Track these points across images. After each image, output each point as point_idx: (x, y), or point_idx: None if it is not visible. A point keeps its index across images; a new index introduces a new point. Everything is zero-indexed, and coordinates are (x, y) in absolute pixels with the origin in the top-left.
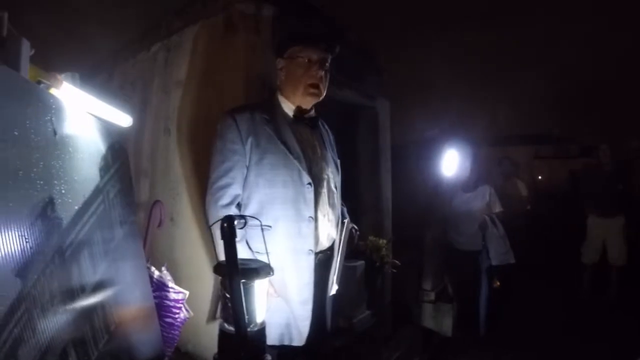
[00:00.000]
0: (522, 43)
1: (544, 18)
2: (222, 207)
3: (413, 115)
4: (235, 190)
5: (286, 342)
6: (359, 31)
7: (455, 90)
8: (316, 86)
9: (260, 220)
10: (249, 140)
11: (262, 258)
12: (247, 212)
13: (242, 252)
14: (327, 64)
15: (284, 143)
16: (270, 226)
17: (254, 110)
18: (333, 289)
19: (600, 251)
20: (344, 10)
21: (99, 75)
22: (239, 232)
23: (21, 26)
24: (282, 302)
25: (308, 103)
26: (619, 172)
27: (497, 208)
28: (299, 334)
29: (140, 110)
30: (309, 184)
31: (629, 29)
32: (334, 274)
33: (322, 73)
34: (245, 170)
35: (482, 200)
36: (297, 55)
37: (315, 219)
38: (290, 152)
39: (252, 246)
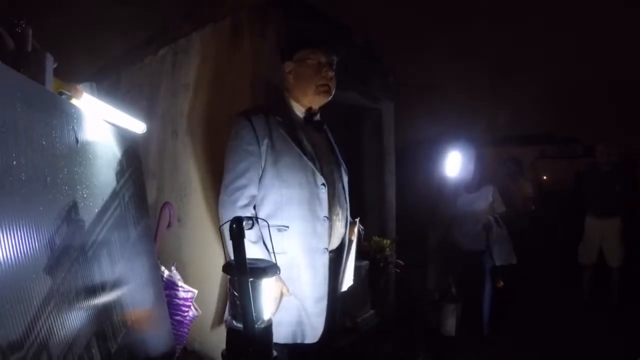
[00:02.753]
0: (526, 43)
1: (548, 18)
2: (239, 208)
3: (417, 117)
4: (251, 191)
5: (299, 340)
6: (364, 33)
7: (459, 91)
8: (326, 85)
9: (267, 222)
10: (265, 141)
11: (278, 258)
12: (261, 213)
13: (260, 254)
14: (334, 66)
15: (298, 145)
16: (287, 226)
17: (267, 112)
18: (345, 285)
19: (598, 252)
20: (350, 12)
21: (106, 79)
22: (255, 234)
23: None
24: (294, 301)
25: (319, 102)
26: (618, 172)
27: (501, 208)
28: (313, 330)
29: (147, 113)
30: (323, 184)
31: (634, 28)
32: (346, 271)
33: (332, 74)
34: (260, 172)
35: (485, 200)
36: (306, 58)
37: (329, 219)
38: (305, 154)
39: (268, 247)
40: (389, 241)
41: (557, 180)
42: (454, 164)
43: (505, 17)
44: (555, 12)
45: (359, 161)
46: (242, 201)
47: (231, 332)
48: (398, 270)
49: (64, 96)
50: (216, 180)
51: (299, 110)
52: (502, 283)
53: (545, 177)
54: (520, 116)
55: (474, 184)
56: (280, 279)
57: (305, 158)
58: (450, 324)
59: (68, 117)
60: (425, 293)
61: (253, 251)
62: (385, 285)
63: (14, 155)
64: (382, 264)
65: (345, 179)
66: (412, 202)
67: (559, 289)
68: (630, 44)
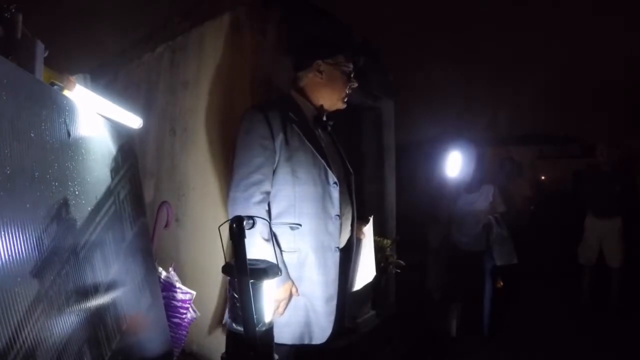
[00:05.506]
0: (525, 43)
1: (547, 18)
2: (254, 204)
3: (417, 116)
4: (266, 187)
5: (306, 341)
6: (363, 31)
7: (459, 90)
8: (349, 95)
9: (269, 221)
10: (280, 136)
11: (290, 256)
12: (273, 210)
13: (272, 252)
14: None
15: (311, 142)
16: (300, 224)
17: (280, 107)
18: (358, 284)
19: (597, 252)
20: (349, 10)
21: (103, 76)
22: (267, 231)
23: (26, 26)
24: (303, 301)
25: (335, 107)
26: (618, 172)
27: (501, 208)
28: (321, 330)
29: (145, 111)
30: (335, 183)
31: (635, 27)
32: (357, 270)
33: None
34: (274, 168)
35: (485, 200)
36: (344, 65)
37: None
38: (317, 151)
39: (276, 247)
40: (389, 241)
41: (556, 180)
42: (454, 163)
43: (505, 17)
44: (555, 12)
45: (359, 160)
46: (257, 197)
47: (231, 335)
48: (398, 271)
49: (55, 87)
50: (215, 178)
51: (308, 109)
52: (502, 283)
53: (544, 177)
54: (519, 116)
55: (473, 184)
56: (290, 278)
57: (318, 155)
58: (450, 325)
59: (59, 109)
60: (426, 293)
61: (265, 249)
62: (385, 285)
63: None
64: (382, 264)
65: (352, 178)
66: (412, 201)
67: (559, 289)
68: (630, 44)
